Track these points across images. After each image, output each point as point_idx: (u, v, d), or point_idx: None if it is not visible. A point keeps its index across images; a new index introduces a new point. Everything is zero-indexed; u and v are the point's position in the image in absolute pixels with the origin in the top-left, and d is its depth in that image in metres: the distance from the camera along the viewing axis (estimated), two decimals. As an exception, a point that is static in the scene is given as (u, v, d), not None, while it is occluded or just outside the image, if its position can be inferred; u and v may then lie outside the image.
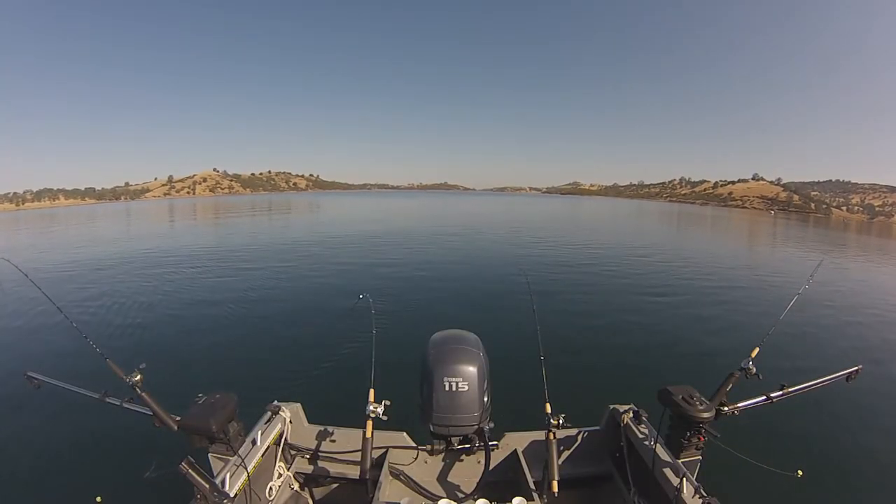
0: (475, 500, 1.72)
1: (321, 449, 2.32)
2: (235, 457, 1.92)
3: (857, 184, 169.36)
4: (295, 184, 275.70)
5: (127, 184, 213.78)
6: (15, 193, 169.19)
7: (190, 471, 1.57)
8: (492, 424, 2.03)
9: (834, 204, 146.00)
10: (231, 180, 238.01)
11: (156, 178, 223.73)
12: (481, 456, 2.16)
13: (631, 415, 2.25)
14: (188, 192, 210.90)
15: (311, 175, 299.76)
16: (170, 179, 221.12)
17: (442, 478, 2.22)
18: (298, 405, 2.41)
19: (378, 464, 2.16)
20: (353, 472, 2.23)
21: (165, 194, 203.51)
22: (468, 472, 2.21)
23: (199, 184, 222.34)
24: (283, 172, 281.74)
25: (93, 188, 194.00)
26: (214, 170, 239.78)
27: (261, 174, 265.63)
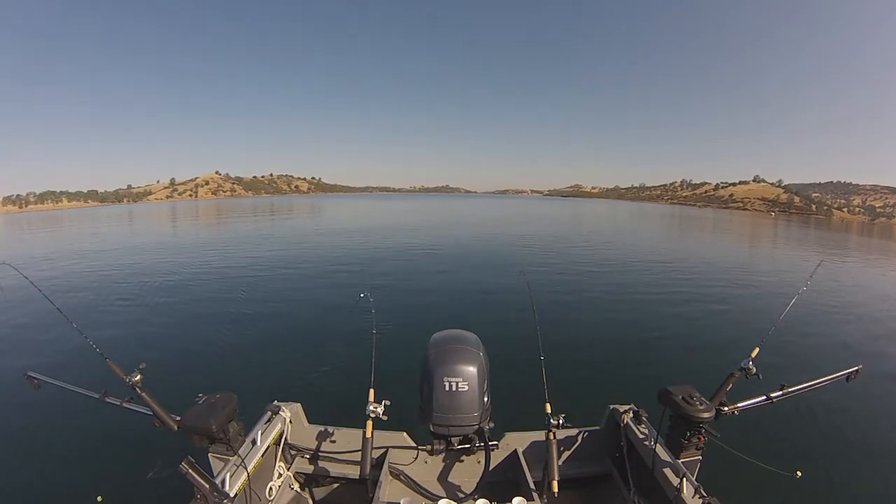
0: (475, 500, 1.72)
1: (321, 449, 2.32)
2: (235, 457, 1.92)
3: (858, 185, 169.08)
4: (297, 186, 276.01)
5: (129, 186, 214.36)
6: (18, 196, 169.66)
7: (190, 471, 1.57)
8: (492, 424, 2.04)
9: (835, 205, 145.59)
10: (233, 183, 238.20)
11: (158, 181, 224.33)
12: (481, 456, 2.16)
13: (631, 415, 2.24)
14: (190, 195, 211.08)
15: (312, 178, 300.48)
16: (172, 182, 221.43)
17: (442, 478, 2.22)
18: (298, 405, 2.41)
19: (378, 464, 2.16)
20: (353, 472, 2.23)
21: (168, 197, 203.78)
22: (468, 472, 2.21)
23: (202, 186, 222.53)
24: (286, 175, 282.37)
25: (95, 191, 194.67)
26: (217, 172, 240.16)
27: (263, 177, 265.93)
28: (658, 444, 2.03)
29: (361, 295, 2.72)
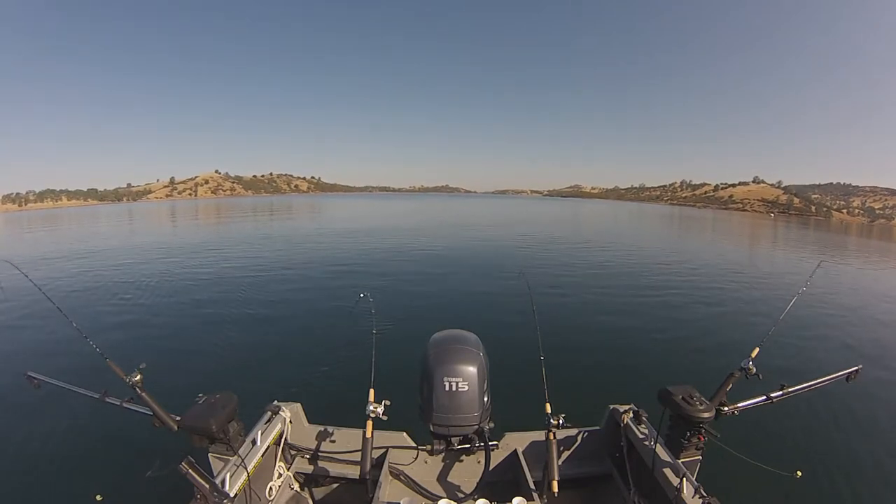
0: (475, 500, 1.72)
1: (321, 449, 2.32)
2: (235, 457, 1.92)
3: (858, 186, 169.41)
4: (297, 186, 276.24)
5: (129, 185, 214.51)
6: (17, 194, 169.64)
7: (190, 471, 1.57)
8: (492, 424, 2.03)
9: (834, 207, 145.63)
10: (233, 182, 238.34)
11: (158, 180, 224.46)
12: (481, 456, 2.16)
13: (631, 415, 2.25)
14: (190, 194, 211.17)
15: (312, 177, 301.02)
16: (172, 181, 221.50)
17: (442, 478, 2.22)
18: (298, 405, 2.41)
19: (378, 464, 2.16)
20: (353, 472, 2.23)
21: (167, 196, 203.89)
22: (468, 472, 2.22)
23: (201, 185, 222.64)
24: (285, 174, 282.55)
25: (95, 189, 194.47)
26: (216, 171, 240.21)
27: (262, 176, 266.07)
28: (658, 444, 2.03)
29: (361, 295, 2.72)
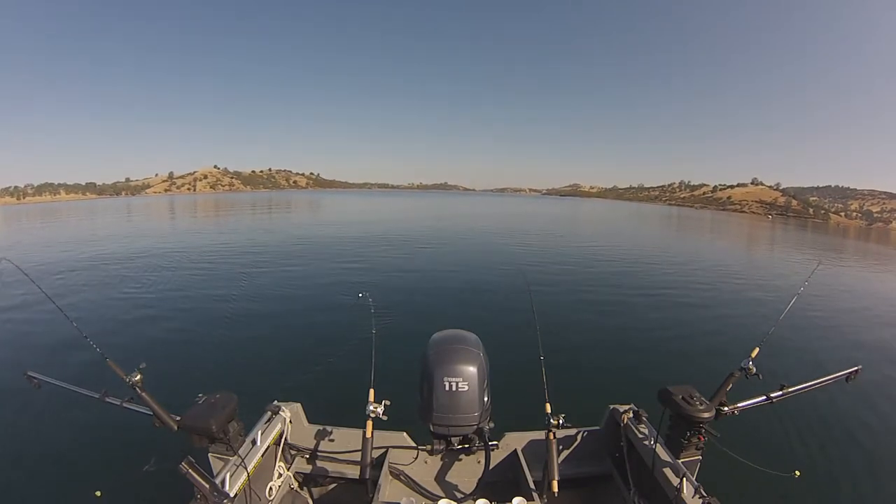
0: (475, 500, 1.72)
1: (321, 449, 2.32)
2: (235, 457, 1.92)
3: (856, 189, 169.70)
4: (295, 182, 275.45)
5: (128, 179, 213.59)
6: (16, 188, 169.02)
7: (190, 471, 1.57)
8: (492, 424, 2.04)
9: (832, 209, 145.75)
10: (232, 177, 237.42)
11: (156, 175, 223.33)
12: (481, 456, 2.17)
13: (631, 415, 2.25)
14: (189, 189, 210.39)
15: (311, 173, 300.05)
16: (170, 176, 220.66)
17: (442, 478, 2.22)
18: (298, 405, 2.41)
19: (378, 464, 2.17)
20: (353, 472, 2.23)
21: (166, 190, 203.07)
22: (468, 472, 2.22)
23: (200, 180, 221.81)
24: (284, 170, 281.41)
25: (93, 183, 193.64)
26: (215, 167, 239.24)
27: (261, 172, 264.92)
28: (658, 444, 2.03)
29: (360, 294, 2.72)
